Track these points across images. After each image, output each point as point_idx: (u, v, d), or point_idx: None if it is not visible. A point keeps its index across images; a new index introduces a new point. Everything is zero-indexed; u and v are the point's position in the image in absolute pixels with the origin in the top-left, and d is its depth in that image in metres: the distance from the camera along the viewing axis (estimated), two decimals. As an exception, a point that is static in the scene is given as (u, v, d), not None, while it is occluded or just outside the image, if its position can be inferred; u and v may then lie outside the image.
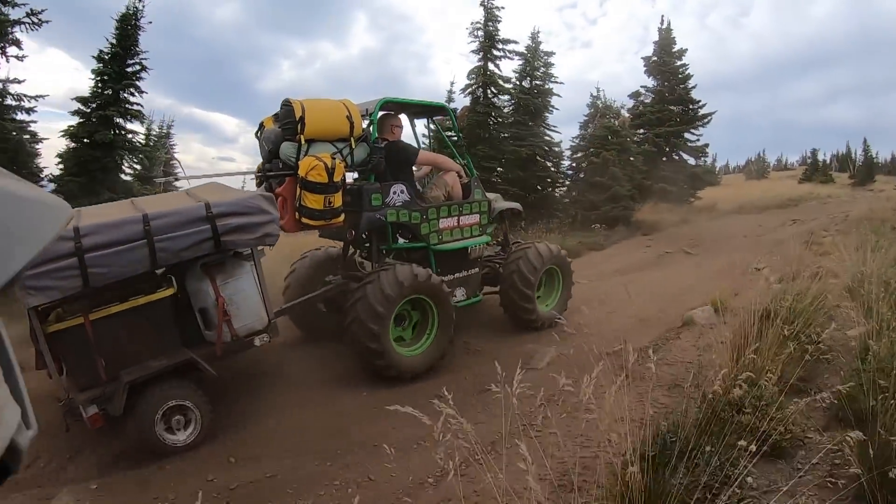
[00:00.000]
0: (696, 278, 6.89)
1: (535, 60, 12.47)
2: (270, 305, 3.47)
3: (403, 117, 4.78)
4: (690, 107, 14.96)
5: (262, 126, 4.17)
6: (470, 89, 12.13)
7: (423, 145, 5.19)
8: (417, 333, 4.23)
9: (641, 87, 15.46)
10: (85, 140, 12.54)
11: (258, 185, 4.15)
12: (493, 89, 12.10)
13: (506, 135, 12.29)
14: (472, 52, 12.06)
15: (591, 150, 12.50)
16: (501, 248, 5.51)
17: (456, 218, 4.58)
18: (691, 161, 15.28)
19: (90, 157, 12.44)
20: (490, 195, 5.27)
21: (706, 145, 15.30)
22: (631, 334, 4.32)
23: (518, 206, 5.48)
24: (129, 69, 13.26)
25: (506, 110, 12.54)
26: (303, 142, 3.65)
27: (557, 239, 9.39)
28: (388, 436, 3.08)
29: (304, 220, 3.62)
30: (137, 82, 13.35)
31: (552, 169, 13.11)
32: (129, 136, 13.72)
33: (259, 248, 3.54)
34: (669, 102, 14.77)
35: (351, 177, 4.26)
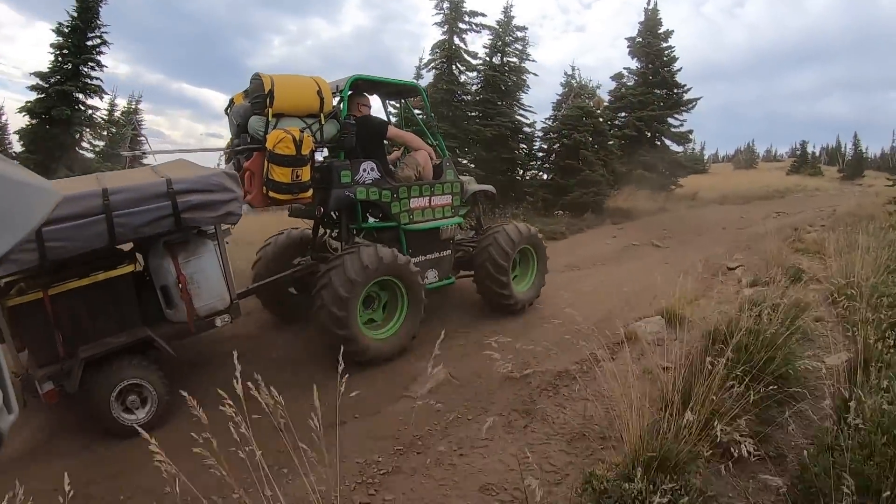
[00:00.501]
0: (660, 276, 6.12)
1: (506, 35, 12.40)
2: (233, 286, 3.55)
3: (375, 98, 4.85)
4: (675, 91, 15.13)
5: (231, 102, 4.28)
6: (433, 64, 12.04)
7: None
8: (387, 315, 4.33)
9: (624, 68, 15.60)
10: (42, 116, 12.31)
11: (227, 161, 4.26)
12: (458, 65, 12.04)
13: (474, 114, 12.30)
14: (436, 24, 11.95)
15: (563, 131, 12.42)
16: (475, 231, 5.65)
17: (428, 198, 4.68)
18: (675, 147, 15.52)
19: (47, 134, 12.23)
20: (463, 177, 5.41)
21: (690, 131, 15.49)
22: (556, 350, 3.95)
23: (491, 189, 5.63)
24: (90, 43, 13.00)
25: (473, 88, 12.52)
26: (271, 116, 3.74)
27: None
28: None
29: (271, 193, 3.70)
30: (98, 56, 13.10)
31: (522, 151, 13.14)
32: (89, 111, 13.53)
33: (225, 227, 3.61)
34: (653, 86, 14.91)
35: (321, 155, 4.40)
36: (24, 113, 12.49)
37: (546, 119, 14.07)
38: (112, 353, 3.12)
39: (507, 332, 4.37)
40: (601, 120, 12.90)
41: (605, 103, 14.17)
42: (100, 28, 13.26)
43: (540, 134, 13.48)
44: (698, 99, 15.19)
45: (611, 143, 13.25)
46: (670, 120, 15.08)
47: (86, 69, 13.05)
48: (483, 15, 11.90)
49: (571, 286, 5.90)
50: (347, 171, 4.13)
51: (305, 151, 3.69)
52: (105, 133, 18.50)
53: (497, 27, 12.33)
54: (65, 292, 3.06)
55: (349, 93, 4.43)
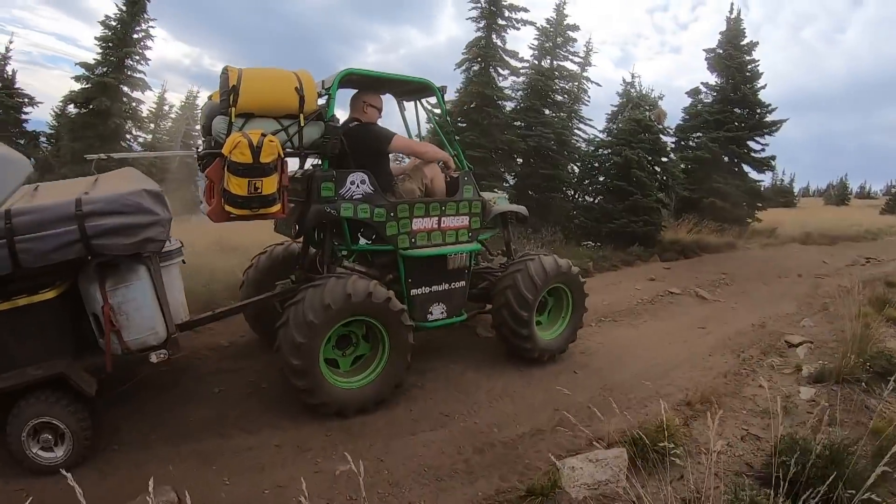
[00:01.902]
0: (682, 349, 5.54)
1: (556, 36, 11.85)
2: (170, 318, 3.35)
3: (388, 98, 4.52)
4: (757, 111, 14.04)
5: (209, 99, 3.99)
6: (465, 65, 11.54)
7: (423, 133, 4.90)
8: (366, 361, 3.99)
9: (701, 83, 14.66)
10: (84, 106, 13.13)
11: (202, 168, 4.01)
12: (497, 68, 11.50)
13: (517, 123, 11.77)
14: (472, 19, 11.40)
15: (617, 147, 11.52)
16: (506, 257, 5.24)
17: (436, 219, 4.24)
18: (754, 175, 14.43)
19: (87, 124, 13.01)
20: (489, 194, 5.02)
21: (772, 157, 14.35)
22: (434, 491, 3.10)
23: (522, 211, 5.12)
24: (136, 36, 13.74)
25: (518, 93, 12.04)
26: (234, 116, 3.43)
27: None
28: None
29: (226, 207, 3.39)
30: (143, 51, 13.80)
31: (571, 168, 12.52)
32: (133, 104, 14.30)
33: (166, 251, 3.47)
34: (732, 103, 13.93)
35: (310, 163, 4.12)
36: (69, 102, 13.33)
37: (601, 132, 13.40)
38: (21, 388, 3.02)
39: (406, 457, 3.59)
40: (662, 136, 12.01)
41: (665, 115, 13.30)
42: (147, 21, 14.01)
43: (589, 149, 12.84)
44: (783, 121, 14.07)
45: (667, 161, 12.24)
46: (751, 143, 14.02)
47: (131, 62, 13.77)
48: (525, 10, 11.28)
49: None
50: (330, 184, 3.78)
51: (267, 159, 3.30)
52: (152, 126, 19.64)
53: (548, 26, 11.80)
54: None
55: (355, 91, 4.21)
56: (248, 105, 3.47)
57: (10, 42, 10.72)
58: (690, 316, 7.01)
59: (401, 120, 5.00)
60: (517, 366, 4.76)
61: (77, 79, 12.87)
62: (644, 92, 13.35)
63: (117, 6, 13.10)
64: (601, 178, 12.38)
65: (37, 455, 3.04)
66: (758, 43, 14.14)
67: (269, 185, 3.38)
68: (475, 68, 11.52)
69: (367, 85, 4.35)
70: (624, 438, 3.20)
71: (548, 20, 11.93)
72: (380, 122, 4.36)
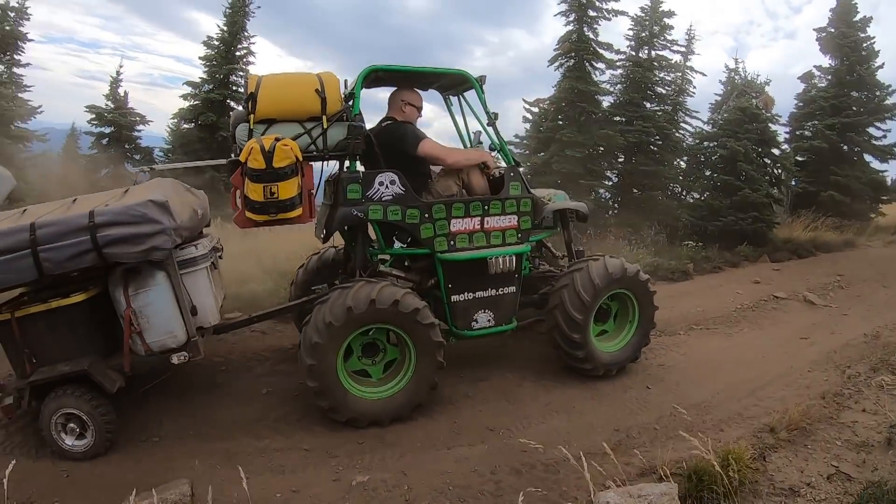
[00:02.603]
0: (781, 364, 4.78)
1: (652, 25, 10.91)
2: (191, 322, 3.38)
3: (430, 94, 4.28)
4: (877, 93, 12.11)
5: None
6: (558, 61, 10.93)
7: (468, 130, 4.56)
8: (396, 367, 3.74)
9: (814, 66, 12.91)
10: (193, 122, 14.13)
11: None
12: (592, 61, 10.80)
13: (618, 118, 11.02)
14: (561, 14, 10.77)
15: (721, 139, 10.41)
16: (569, 258, 4.76)
17: (478, 219, 3.89)
18: (876, 164, 12.45)
19: (197, 138, 13.98)
20: (544, 191, 4.60)
21: (895, 145, 12.25)
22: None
23: (582, 207, 4.58)
24: (238, 53, 14.60)
25: (616, 87, 11.28)
26: (253, 122, 3.45)
27: (629, 254, 8.01)
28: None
29: (247, 213, 3.41)
30: (247, 67, 14.63)
31: (677, 163, 11.49)
32: (237, 118, 15.18)
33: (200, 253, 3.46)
34: (849, 86, 12.09)
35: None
36: (180, 118, 14.41)
37: (705, 124, 12.20)
38: (53, 381, 3.19)
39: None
40: (770, 125, 10.66)
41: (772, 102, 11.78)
42: (248, 39, 14.84)
43: (693, 142, 11.73)
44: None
45: (779, 153, 10.85)
46: (871, 130, 12.11)
47: (236, 78, 14.65)
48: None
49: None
50: (356, 186, 3.59)
51: (280, 164, 3.25)
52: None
53: (643, 15, 10.93)
54: (28, 315, 3.20)
55: (393, 90, 4.01)
56: (267, 111, 3.46)
57: (121, 66, 11.52)
58: (794, 324, 6.07)
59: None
60: (583, 378, 4.26)
61: (185, 97, 13.83)
62: (749, 78, 11.94)
63: (218, 27, 13.91)
64: (707, 173, 11.31)
65: (64, 441, 3.22)
66: (871, 18, 12.14)
67: (286, 189, 3.33)
68: (569, 63, 10.95)
69: (399, 81, 4.11)
70: (680, 470, 2.66)
71: (642, 8, 11.06)
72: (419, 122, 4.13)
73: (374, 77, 3.84)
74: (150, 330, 3.26)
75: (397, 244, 4.01)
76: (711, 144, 11.14)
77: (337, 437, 3.48)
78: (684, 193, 11.87)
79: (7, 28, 8.05)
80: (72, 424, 3.22)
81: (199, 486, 2.89)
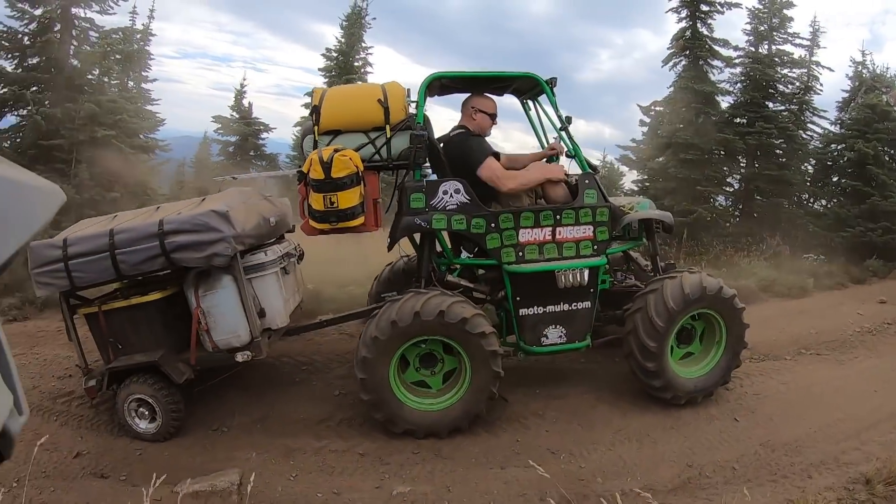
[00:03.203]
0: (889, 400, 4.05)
1: (770, 18, 9.71)
2: (255, 323, 3.51)
3: (506, 100, 4.08)
4: None
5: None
6: (672, 61, 10.06)
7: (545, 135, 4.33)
8: (451, 383, 3.62)
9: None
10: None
11: None
12: (707, 59, 9.83)
13: (739, 120, 9.96)
14: (672, 10, 9.88)
15: (849, 140, 9.08)
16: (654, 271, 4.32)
17: (549, 229, 3.63)
18: None
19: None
20: (625, 200, 4.26)
21: None
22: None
23: (666, 217, 4.14)
24: (356, 64, 15.34)
25: (736, 86, 10.18)
26: (317, 134, 3.55)
27: (746, 267, 7.18)
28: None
29: (310, 222, 3.49)
30: (366, 76, 15.32)
31: (800, 168, 10.16)
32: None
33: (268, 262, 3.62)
34: None
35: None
36: (300, 126, 15.43)
37: (832, 124, 10.67)
38: (129, 369, 3.49)
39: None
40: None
41: None
42: (364, 50, 15.53)
43: (820, 144, 10.33)
44: None
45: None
46: None
47: (350, 87, 15.41)
48: None
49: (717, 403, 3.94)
50: (420, 195, 3.51)
51: (339, 174, 3.28)
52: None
53: (761, 8, 9.77)
54: (113, 310, 3.55)
55: (467, 97, 3.91)
56: (331, 123, 3.53)
57: (244, 79, 12.46)
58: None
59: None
60: (665, 404, 3.84)
61: (306, 105, 14.75)
62: (878, 72, 10.21)
63: (336, 38, 14.62)
64: (834, 179, 9.95)
65: (137, 424, 3.49)
66: None
67: (345, 199, 3.34)
68: (684, 63, 10.15)
69: (467, 87, 3.97)
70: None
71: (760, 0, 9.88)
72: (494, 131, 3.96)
73: (439, 85, 3.74)
74: (217, 329, 3.46)
75: (465, 254, 3.87)
76: (839, 147, 9.80)
77: (394, 445, 3.43)
78: (811, 201, 10.45)
79: (134, 47, 9.09)
80: (142, 409, 3.49)
81: (250, 477, 2.95)
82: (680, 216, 9.14)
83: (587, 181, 3.74)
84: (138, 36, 9.53)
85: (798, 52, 10.17)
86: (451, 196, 3.54)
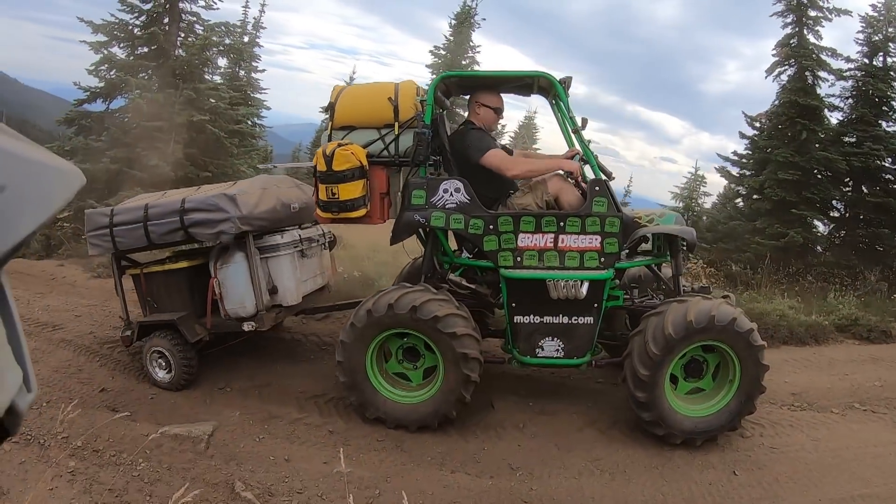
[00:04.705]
0: None
1: (887, 26, 8.40)
2: (261, 297, 3.77)
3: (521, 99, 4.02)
4: None
5: None
6: (776, 71, 9.08)
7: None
8: (429, 380, 3.60)
9: None
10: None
11: None
12: (814, 70, 8.77)
13: (848, 139, 8.78)
14: (776, 14, 8.90)
15: None
16: (666, 292, 4.01)
17: (552, 236, 3.42)
18: None
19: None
20: (650, 211, 3.90)
21: None
22: None
23: (688, 234, 3.66)
24: (463, 62, 15.45)
25: (847, 102, 9.01)
26: (331, 129, 3.68)
27: (830, 301, 6.30)
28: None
29: (318, 210, 3.65)
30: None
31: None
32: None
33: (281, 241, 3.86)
34: None
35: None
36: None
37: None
38: (155, 325, 3.89)
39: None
40: None
41: None
42: (473, 49, 15.60)
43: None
44: None
45: None
46: None
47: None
48: None
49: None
50: (421, 192, 3.48)
51: (340, 167, 3.40)
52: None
53: (876, 14, 8.47)
54: (151, 273, 4.02)
55: (468, 97, 3.90)
56: (344, 119, 3.64)
57: (354, 71, 13.19)
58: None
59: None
60: (660, 441, 3.46)
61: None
62: None
63: (445, 36, 14.82)
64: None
65: (156, 372, 3.88)
66: None
67: (346, 191, 3.44)
68: (788, 73, 9.13)
69: (479, 86, 3.88)
70: None
71: (874, 6, 8.52)
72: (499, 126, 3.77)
73: (450, 84, 3.71)
74: (228, 298, 3.78)
75: (465, 254, 3.79)
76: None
77: (364, 429, 3.51)
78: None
79: (244, 40, 9.86)
80: (161, 360, 3.87)
81: (222, 431, 3.30)
82: (770, 239, 8.25)
83: (597, 188, 3.46)
84: (249, 28, 10.37)
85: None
86: (452, 195, 3.47)
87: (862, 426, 4.00)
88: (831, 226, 9.32)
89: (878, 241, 8.66)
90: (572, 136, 3.66)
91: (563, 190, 3.63)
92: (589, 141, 3.76)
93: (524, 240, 3.44)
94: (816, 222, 9.17)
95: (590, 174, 3.63)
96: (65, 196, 0.50)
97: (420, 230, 3.70)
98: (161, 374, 3.87)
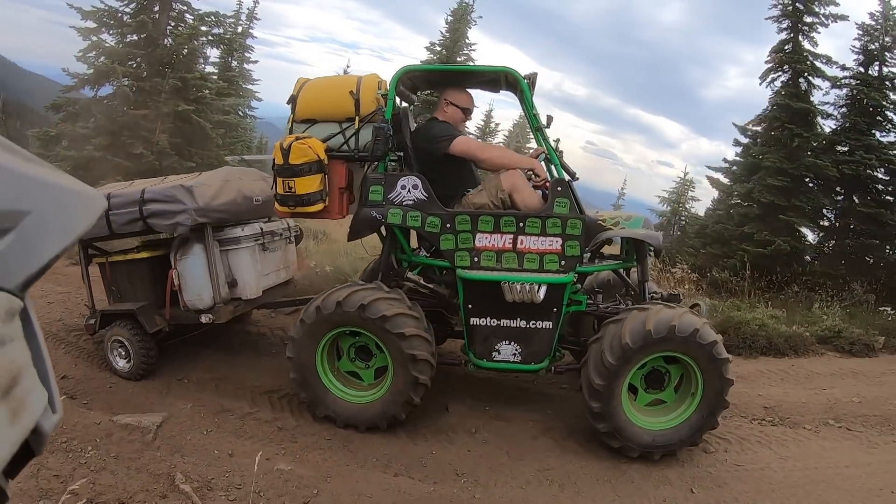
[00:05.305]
0: None
1: (883, 35, 8.23)
2: (219, 290, 3.74)
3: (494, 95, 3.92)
4: None
5: None
6: (770, 77, 8.95)
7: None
8: (380, 380, 3.51)
9: None
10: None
11: None
12: (808, 76, 8.63)
13: (841, 147, 8.63)
14: (771, 19, 8.74)
15: None
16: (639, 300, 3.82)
17: (511, 236, 3.31)
18: None
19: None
20: (611, 214, 3.75)
21: None
22: None
23: (653, 239, 3.55)
24: (458, 59, 15.31)
25: (840, 110, 8.87)
26: (292, 123, 3.59)
27: (815, 311, 6.17)
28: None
29: (276, 205, 3.56)
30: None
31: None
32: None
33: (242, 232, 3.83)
34: None
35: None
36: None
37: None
38: (116, 314, 3.87)
39: None
40: None
41: None
42: (468, 47, 15.45)
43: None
44: None
45: None
46: None
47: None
48: (835, 3, 8.19)
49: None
50: (378, 187, 3.41)
51: (296, 161, 3.30)
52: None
53: (873, 23, 8.32)
54: (115, 262, 3.98)
55: (443, 92, 3.73)
56: (306, 112, 3.52)
57: (348, 66, 13.10)
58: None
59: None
60: (618, 454, 3.34)
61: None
62: None
63: (441, 33, 14.68)
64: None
65: (116, 361, 3.86)
66: None
67: (303, 185, 3.35)
68: (782, 79, 8.97)
69: (445, 82, 3.81)
70: None
71: (871, 14, 8.34)
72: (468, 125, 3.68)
73: (414, 78, 3.60)
74: (186, 290, 3.74)
75: (423, 252, 3.72)
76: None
77: (313, 427, 3.46)
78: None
79: (238, 30, 9.77)
80: (121, 349, 3.85)
81: (172, 422, 3.29)
82: (758, 246, 8.12)
83: (559, 188, 3.33)
84: (243, 18, 10.27)
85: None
86: (409, 191, 3.38)
87: (835, 444, 3.86)
88: (821, 235, 9.16)
89: (868, 251, 8.53)
90: (536, 133, 3.54)
91: (518, 188, 3.47)
92: (557, 140, 3.67)
93: (482, 240, 3.34)
94: (805, 231, 9.01)
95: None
96: (88, 220, 0.50)
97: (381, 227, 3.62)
98: (121, 364, 3.85)
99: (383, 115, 3.39)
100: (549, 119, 3.49)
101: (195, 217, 3.48)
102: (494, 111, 23.78)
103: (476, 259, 3.35)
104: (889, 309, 7.03)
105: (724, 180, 9.89)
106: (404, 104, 3.80)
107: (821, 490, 3.23)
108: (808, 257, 8.95)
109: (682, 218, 10.55)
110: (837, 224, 9.01)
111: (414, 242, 3.80)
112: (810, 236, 9.09)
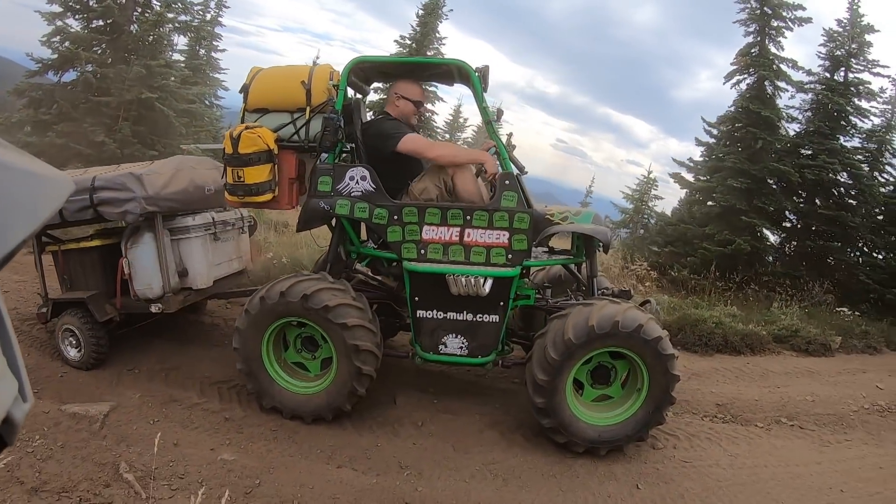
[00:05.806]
0: None
1: (849, 42, 8.39)
2: (168, 280, 3.72)
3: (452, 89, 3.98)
4: None
5: None
6: (735, 78, 9.02)
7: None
8: (326, 371, 3.48)
9: None
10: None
11: None
12: (773, 80, 8.71)
13: (805, 151, 8.82)
14: (738, 23, 8.82)
15: None
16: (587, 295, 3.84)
17: (457, 229, 3.30)
18: None
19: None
20: (558, 208, 3.71)
21: None
22: None
23: (601, 234, 3.43)
24: (430, 52, 15.22)
25: (805, 114, 9.04)
26: (244, 112, 3.56)
27: (774, 311, 6.23)
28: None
29: (226, 194, 3.54)
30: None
31: (861, 212, 8.83)
32: (427, 115, 15.87)
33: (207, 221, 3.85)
34: None
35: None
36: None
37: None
38: (67, 302, 3.83)
39: None
40: None
41: None
42: (438, 41, 15.36)
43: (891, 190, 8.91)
44: None
45: None
46: None
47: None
48: (802, 7, 8.29)
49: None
50: (327, 178, 3.39)
51: (245, 150, 3.29)
52: (447, 137, 21.59)
53: (840, 29, 8.50)
54: (67, 250, 3.94)
55: (392, 84, 3.72)
56: (258, 101, 3.51)
57: (318, 57, 12.94)
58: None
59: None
60: (563, 449, 3.36)
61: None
62: None
63: (412, 27, 14.58)
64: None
65: (67, 351, 3.83)
66: None
67: (251, 175, 3.34)
68: (748, 81, 9.06)
69: (396, 74, 3.79)
70: None
71: (838, 21, 8.50)
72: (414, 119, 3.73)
73: (366, 70, 3.58)
74: (136, 279, 3.72)
75: (371, 244, 3.73)
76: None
77: (260, 418, 3.47)
78: (872, 250, 9.00)
79: (207, 17, 9.61)
80: (71, 339, 3.82)
81: (120, 412, 3.32)
82: (718, 245, 8.25)
83: (507, 181, 3.33)
84: (212, 6, 10.08)
85: (880, 84, 8.73)
86: (357, 182, 3.37)
87: (786, 443, 3.90)
88: (782, 236, 9.34)
89: (829, 253, 8.73)
90: (486, 127, 3.48)
91: (463, 176, 3.46)
92: (510, 134, 3.70)
93: (429, 232, 3.33)
94: (767, 232, 9.19)
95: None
96: (54, 204, 0.50)
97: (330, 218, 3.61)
98: (72, 353, 3.82)
99: (334, 105, 3.39)
100: (500, 112, 3.50)
101: (144, 206, 3.46)
102: (463, 106, 23.76)
103: (423, 251, 3.34)
104: (847, 309, 7.22)
105: (689, 177, 10.04)
106: (358, 96, 3.80)
107: (769, 488, 3.26)
108: (769, 257, 9.12)
109: (645, 216, 10.66)
110: (799, 225, 9.19)
111: (364, 234, 3.80)
112: (772, 237, 9.28)
